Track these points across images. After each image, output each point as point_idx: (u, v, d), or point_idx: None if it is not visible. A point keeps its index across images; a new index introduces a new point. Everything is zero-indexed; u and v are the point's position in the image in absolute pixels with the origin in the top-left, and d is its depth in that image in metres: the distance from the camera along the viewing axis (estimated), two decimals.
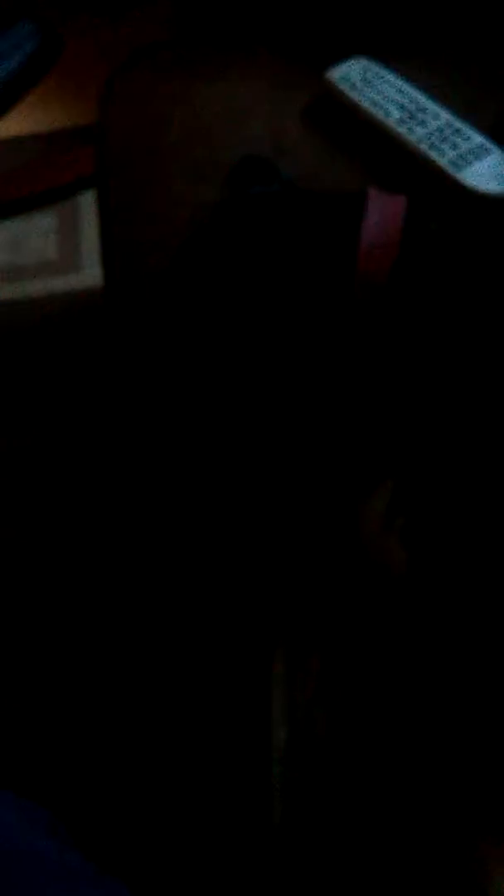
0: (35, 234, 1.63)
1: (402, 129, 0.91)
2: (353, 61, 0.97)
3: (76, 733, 1.14)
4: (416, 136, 0.90)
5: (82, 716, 1.15)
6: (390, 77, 0.95)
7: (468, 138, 0.90)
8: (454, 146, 0.89)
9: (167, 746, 1.00)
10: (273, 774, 0.67)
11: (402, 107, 0.92)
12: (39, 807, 0.67)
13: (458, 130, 0.90)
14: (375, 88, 0.94)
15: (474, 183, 0.87)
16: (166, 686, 0.95)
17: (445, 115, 0.92)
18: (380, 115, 0.92)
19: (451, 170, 0.87)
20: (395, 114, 0.92)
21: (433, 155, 0.88)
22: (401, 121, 0.91)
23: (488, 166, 0.88)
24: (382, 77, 0.95)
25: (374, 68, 0.96)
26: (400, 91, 0.94)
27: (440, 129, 0.90)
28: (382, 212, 0.78)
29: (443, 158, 0.88)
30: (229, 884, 0.89)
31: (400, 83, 0.94)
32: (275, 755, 0.68)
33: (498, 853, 0.61)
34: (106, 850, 0.71)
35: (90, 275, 1.56)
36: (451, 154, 0.88)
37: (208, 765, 0.87)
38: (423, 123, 0.91)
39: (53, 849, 0.63)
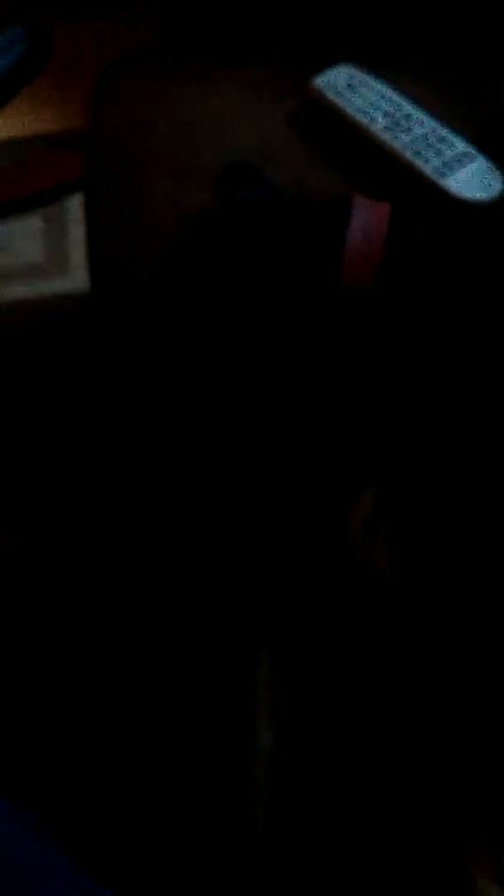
0: (21, 236, 1.63)
1: (386, 136, 0.91)
2: (338, 68, 0.97)
3: (62, 736, 1.14)
4: (400, 142, 0.91)
5: (69, 720, 1.15)
6: (376, 84, 0.96)
7: (453, 145, 0.90)
8: (439, 153, 0.90)
9: (153, 749, 1.01)
10: (258, 778, 0.68)
11: (387, 114, 0.93)
12: (25, 809, 0.67)
13: (442, 138, 0.91)
14: (361, 95, 0.95)
15: (458, 190, 0.87)
16: (152, 690, 0.95)
17: (430, 123, 0.92)
18: (365, 121, 0.93)
19: (435, 177, 0.88)
20: (381, 121, 0.92)
21: (418, 162, 0.89)
22: (386, 128, 0.92)
23: (472, 173, 0.88)
24: (368, 84, 0.96)
25: (360, 75, 0.96)
26: (385, 98, 0.94)
27: (425, 137, 0.91)
28: (367, 218, 0.79)
29: (427, 165, 0.89)
30: (215, 885, 0.89)
31: (385, 90, 0.95)
32: (260, 759, 0.68)
33: (483, 857, 0.62)
34: (92, 852, 0.71)
35: (77, 278, 1.56)
36: (436, 161, 0.89)
37: (194, 768, 0.88)
38: (408, 130, 0.91)
39: (40, 851, 0.63)
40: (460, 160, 0.89)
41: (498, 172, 0.89)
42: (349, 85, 0.95)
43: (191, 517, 0.79)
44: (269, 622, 0.74)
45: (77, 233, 1.60)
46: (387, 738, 0.66)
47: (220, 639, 0.77)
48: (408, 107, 0.93)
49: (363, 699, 0.68)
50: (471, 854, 0.62)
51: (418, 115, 0.93)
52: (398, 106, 0.93)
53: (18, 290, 1.57)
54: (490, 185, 0.88)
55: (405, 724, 0.66)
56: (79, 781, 1.10)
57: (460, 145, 0.90)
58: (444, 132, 0.91)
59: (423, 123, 0.92)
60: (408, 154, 0.89)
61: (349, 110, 0.94)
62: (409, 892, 0.62)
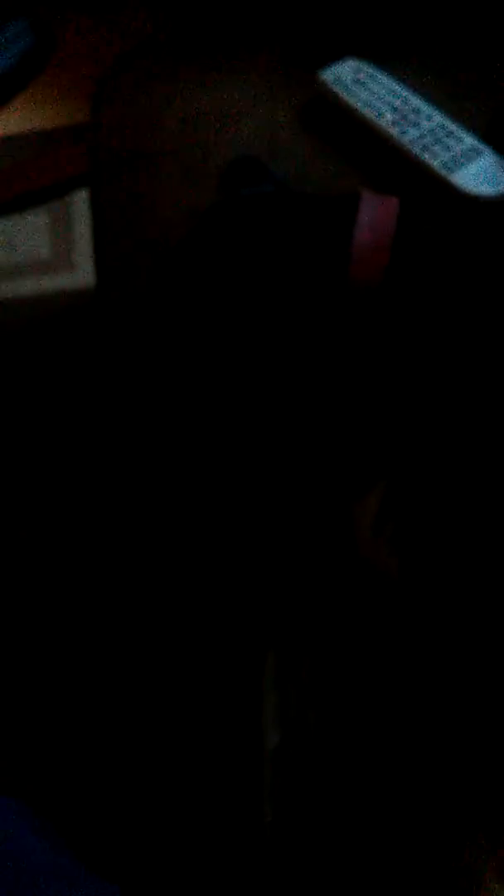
0: (28, 233, 1.63)
1: (394, 131, 0.91)
2: (346, 62, 0.97)
3: (68, 734, 1.14)
4: (408, 137, 0.90)
5: (75, 718, 1.15)
6: (383, 78, 0.95)
7: (461, 140, 0.90)
8: (447, 148, 0.89)
9: (160, 748, 1.01)
10: (264, 775, 0.68)
11: (395, 108, 0.92)
12: (30, 808, 0.67)
13: (450, 132, 0.90)
14: (368, 90, 0.94)
15: (466, 185, 0.87)
16: (159, 688, 0.95)
17: (438, 117, 0.92)
18: (373, 116, 0.92)
19: (443, 172, 0.87)
20: (388, 115, 0.92)
21: (426, 157, 0.88)
22: (394, 122, 0.91)
23: (480, 168, 0.88)
24: (375, 78, 0.95)
25: (368, 69, 0.96)
26: (393, 92, 0.94)
27: (433, 131, 0.90)
28: (375, 213, 0.78)
29: (435, 160, 0.88)
30: (221, 882, 0.89)
31: (393, 84, 0.95)
32: (266, 757, 0.68)
33: (488, 856, 0.62)
34: (99, 851, 0.71)
35: (83, 274, 1.56)
36: (444, 156, 0.88)
37: (201, 766, 0.88)
38: (415, 125, 0.91)
39: (44, 849, 0.63)
40: (468, 155, 0.88)
41: None
42: (356, 79, 0.95)
43: (197, 515, 0.79)
44: (276, 621, 0.74)
45: (83, 229, 1.60)
46: (393, 737, 0.66)
47: (226, 638, 0.77)
48: (416, 101, 0.93)
49: (369, 698, 0.67)
50: (476, 853, 0.61)
51: (426, 109, 0.92)
52: (406, 100, 0.93)
53: (25, 286, 1.57)
54: (498, 181, 0.87)
55: (411, 723, 0.66)
56: (86, 781, 1.10)
57: (469, 140, 0.90)
58: (452, 127, 0.91)
59: (432, 118, 0.91)
60: (416, 149, 0.89)
61: (357, 105, 0.93)
62: (416, 891, 0.62)
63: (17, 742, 1.14)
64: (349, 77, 0.95)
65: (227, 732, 0.78)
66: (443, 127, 0.91)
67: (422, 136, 0.90)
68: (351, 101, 0.94)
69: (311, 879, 0.64)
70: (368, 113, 0.92)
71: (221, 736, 0.79)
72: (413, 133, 0.90)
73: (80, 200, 1.64)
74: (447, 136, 0.90)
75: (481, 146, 0.89)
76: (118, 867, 0.94)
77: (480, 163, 0.88)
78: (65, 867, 0.62)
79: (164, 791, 1.01)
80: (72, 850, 0.63)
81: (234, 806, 0.76)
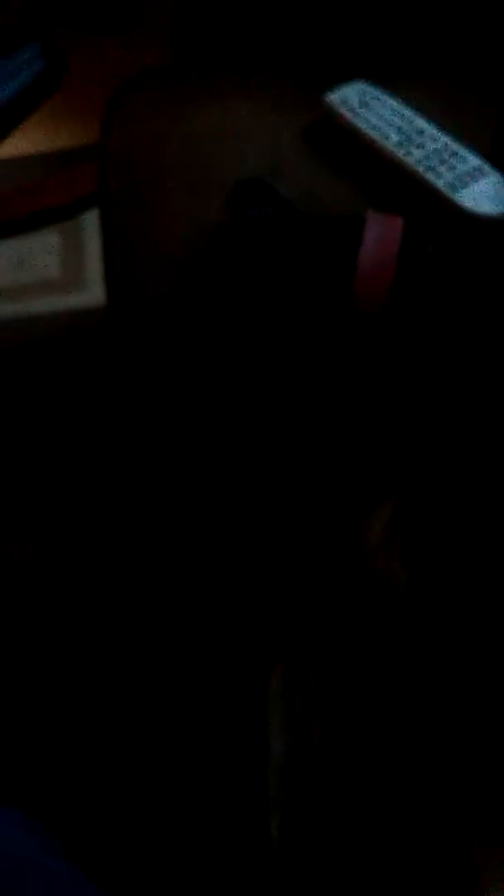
0: (38, 252, 1.64)
1: (399, 152, 0.92)
2: (351, 84, 0.98)
3: (72, 746, 1.15)
4: (413, 158, 0.91)
5: (79, 730, 1.16)
6: (388, 100, 0.96)
7: (465, 160, 0.91)
8: (451, 168, 0.90)
9: (165, 759, 1.01)
10: (270, 787, 0.68)
11: (399, 129, 0.93)
12: (36, 822, 0.68)
13: (455, 153, 0.91)
14: (374, 111, 0.95)
15: (471, 205, 0.88)
16: (164, 699, 0.95)
17: (443, 138, 0.93)
18: (378, 137, 0.93)
19: (448, 192, 0.88)
20: (393, 136, 0.93)
21: (431, 177, 0.89)
22: (399, 143, 0.92)
23: (485, 188, 0.89)
24: (381, 100, 0.96)
25: (373, 91, 0.97)
26: (398, 114, 0.95)
27: (438, 152, 0.91)
28: (380, 234, 0.79)
29: (440, 180, 0.89)
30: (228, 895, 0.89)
31: (398, 106, 0.96)
32: (272, 768, 0.68)
33: (494, 861, 0.62)
34: (99, 861, 0.71)
35: (93, 294, 1.57)
36: (449, 176, 0.89)
37: (206, 778, 0.88)
38: (420, 146, 0.92)
39: (50, 864, 0.63)
40: (473, 175, 0.89)
41: None
42: (362, 101, 0.96)
43: (205, 528, 0.80)
44: (282, 633, 0.75)
45: (93, 248, 1.62)
46: (399, 746, 0.66)
47: (232, 649, 0.77)
48: (420, 122, 0.94)
49: (375, 708, 0.68)
50: (476, 853, 0.62)
51: (431, 130, 0.93)
52: (410, 121, 0.94)
53: (36, 306, 1.58)
54: (503, 200, 0.88)
55: (417, 733, 0.66)
56: (87, 791, 1.10)
57: (473, 160, 0.91)
58: (456, 147, 0.92)
59: (436, 139, 0.92)
60: (420, 169, 0.90)
61: (362, 126, 0.94)
62: (417, 893, 0.62)
63: (19, 756, 1.15)
64: (355, 99, 0.97)
65: (232, 742, 0.78)
66: (447, 147, 0.92)
67: (427, 157, 0.91)
68: (356, 122, 0.95)
69: (317, 890, 0.65)
70: (373, 134, 0.93)
71: (226, 746, 0.79)
72: (418, 154, 0.91)
73: (92, 220, 1.65)
74: (452, 157, 0.91)
75: (486, 166, 0.90)
76: (120, 879, 0.94)
77: (485, 182, 0.89)
78: (70, 882, 0.63)
79: (167, 801, 1.01)
80: (71, 860, 0.64)
81: (239, 817, 0.76)
